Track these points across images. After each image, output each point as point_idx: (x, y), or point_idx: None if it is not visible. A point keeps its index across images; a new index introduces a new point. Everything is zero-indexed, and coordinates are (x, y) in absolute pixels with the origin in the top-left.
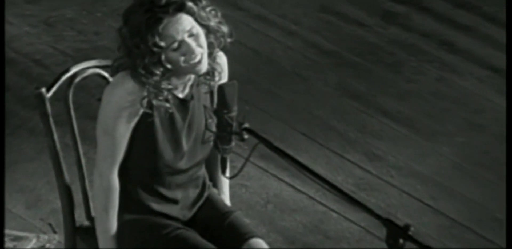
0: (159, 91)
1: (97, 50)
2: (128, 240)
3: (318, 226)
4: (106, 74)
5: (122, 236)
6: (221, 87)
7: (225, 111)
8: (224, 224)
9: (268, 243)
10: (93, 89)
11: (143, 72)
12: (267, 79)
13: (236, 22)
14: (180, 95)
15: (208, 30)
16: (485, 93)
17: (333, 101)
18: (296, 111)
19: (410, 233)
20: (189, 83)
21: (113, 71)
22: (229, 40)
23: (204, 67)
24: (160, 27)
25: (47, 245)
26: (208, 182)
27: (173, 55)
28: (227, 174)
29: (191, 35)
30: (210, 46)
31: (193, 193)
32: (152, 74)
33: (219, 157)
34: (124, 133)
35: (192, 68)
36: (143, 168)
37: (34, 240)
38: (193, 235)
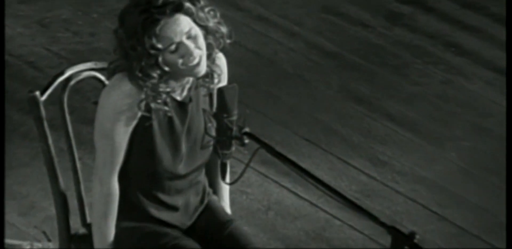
0: (157, 94)
1: (93, 52)
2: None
3: (321, 234)
4: (102, 77)
5: (120, 244)
6: (220, 90)
7: (225, 115)
8: (224, 234)
9: None
10: (88, 92)
11: (140, 75)
12: (268, 82)
13: (237, 23)
14: (179, 98)
15: (206, 31)
16: (493, 96)
17: (336, 104)
18: (298, 115)
19: (415, 241)
20: (188, 85)
21: (110, 73)
22: (228, 41)
23: (203, 69)
24: (157, 28)
25: None
26: (208, 189)
27: (171, 57)
28: (227, 180)
29: (189, 36)
30: (209, 47)
31: (193, 199)
32: (149, 77)
33: (218, 162)
34: (123, 136)
35: (191, 70)
36: (142, 173)
37: None
38: (192, 245)
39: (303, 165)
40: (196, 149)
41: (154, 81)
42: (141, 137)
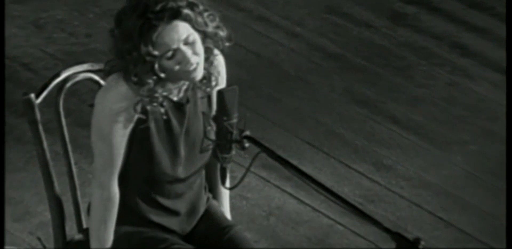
0: (153, 97)
1: (89, 53)
2: None
3: (324, 240)
4: (98, 79)
5: None
6: (220, 93)
7: (224, 118)
8: (224, 239)
9: None
10: (85, 94)
11: (135, 79)
12: (269, 84)
13: (237, 24)
14: (175, 99)
15: (205, 35)
16: (500, 99)
17: (339, 107)
18: (300, 118)
19: (420, 247)
20: (184, 87)
21: (106, 74)
22: (227, 44)
23: (199, 74)
24: (154, 35)
25: None
26: (208, 193)
27: (167, 63)
28: (227, 184)
29: (186, 43)
30: (207, 51)
31: (193, 204)
32: (144, 84)
33: (218, 166)
34: (121, 139)
35: (187, 76)
36: (141, 176)
37: None
38: None
39: (305, 169)
40: (195, 151)
41: (150, 86)
42: (138, 139)
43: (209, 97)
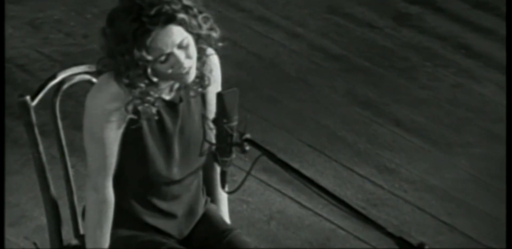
0: (145, 98)
1: (86, 54)
2: None
3: (325, 245)
4: (96, 81)
5: None
6: (220, 95)
7: (224, 120)
8: (223, 243)
9: None
10: (82, 97)
11: (127, 81)
12: (270, 86)
13: (237, 24)
14: (167, 98)
15: (198, 37)
16: (505, 101)
17: (341, 109)
18: (301, 120)
19: None
20: (176, 86)
21: (98, 73)
22: (220, 44)
23: (191, 77)
24: (148, 40)
25: None
26: (206, 196)
27: (160, 67)
28: (227, 188)
29: (180, 46)
30: (200, 51)
31: (190, 206)
32: (136, 87)
33: (217, 170)
34: (113, 140)
35: (179, 78)
36: (136, 178)
37: None
38: None
39: (307, 172)
40: (190, 152)
41: (142, 89)
42: (131, 139)
43: (203, 96)
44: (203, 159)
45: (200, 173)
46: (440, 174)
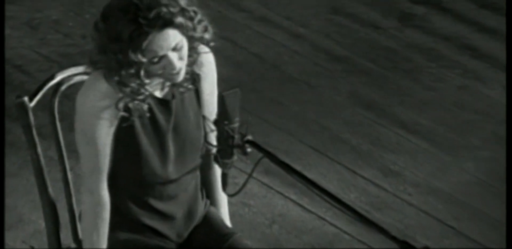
0: (136, 95)
1: (85, 55)
2: None
3: None
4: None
5: None
6: (222, 96)
7: (226, 122)
8: (223, 247)
9: None
10: None
11: (117, 78)
12: (272, 87)
13: (238, 25)
14: (159, 95)
15: (192, 38)
16: (506, 100)
17: (344, 111)
18: (304, 122)
19: None
20: (168, 83)
21: (91, 66)
22: (212, 44)
23: (181, 77)
24: (144, 43)
25: None
26: (205, 199)
27: (151, 67)
28: (228, 191)
29: (174, 49)
30: (192, 50)
31: (189, 207)
32: (127, 86)
33: (216, 171)
34: (105, 139)
35: (169, 78)
36: (131, 177)
37: None
38: None
39: (309, 175)
40: (186, 150)
41: (133, 88)
42: (124, 138)
43: (197, 93)
44: (199, 158)
45: (198, 173)
46: (445, 177)
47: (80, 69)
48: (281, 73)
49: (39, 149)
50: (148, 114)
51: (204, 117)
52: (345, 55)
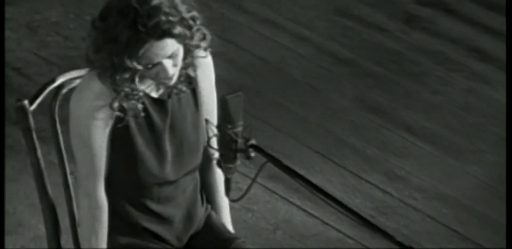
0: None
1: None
2: None
3: None
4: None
5: None
6: (224, 99)
7: (229, 126)
8: None
9: None
10: None
11: (111, 82)
12: (276, 91)
13: (241, 27)
14: (154, 95)
15: (189, 46)
16: (506, 100)
17: (349, 115)
18: (309, 126)
19: None
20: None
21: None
22: (209, 49)
23: (173, 81)
24: (141, 51)
25: None
26: (205, 203)
27: (145, 72)
28: (231, 196)
29: (170, 56)
30: (187, 54)
31: (188, 210)
32: (120, 90)
33: (215, 174)
34: (101, 141)
35: (161, 82)
36: (127, 179)
37: None
38: None
39: (314, 180)
40: (183, 151)
41: (126, 92)
42: (119, 138)
43: (194, 93)
44: (198, 159)
45: (197, 175)
46: (451, 181)
47: (80, 72)
48: (285, 76)
49: (39, 153)
50: (143, 114)
51: (207, 121)
52: (350, 57)
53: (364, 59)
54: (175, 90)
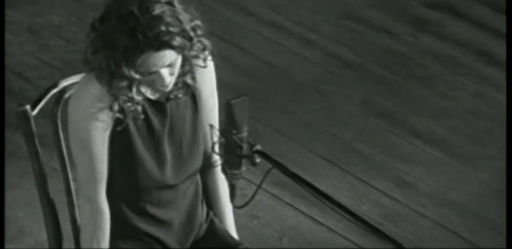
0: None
1: None
2: None
3: None
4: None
5: None
6: (229, 104)
7: (234, 131)
8: None
9: None
10: None
11: (108, 88)
12: (282, 95)
13: (247, 30)
14: (152, 97)
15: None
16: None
17: (357, 120)
18: (315, 131)
19: None
20: None
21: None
22: (210, 58)
23: (168, 88)
24: (139, 60)
25: None
26: (207, 209)
27: (142, 79)
28: (236, 203)
29: (167, 66)
30: (186, 62)
31: (188, 214)
32: (117, 96)
33: (218, 179)
34: (101, 145)
35: (157, 89)
36: (127, 183)
37: None
38: None
39: (320, 186)
40: (183, 154)
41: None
42: (118, 141)
43: (193, 96)
44: (198, 163)
45: (197, 179)
46: (461, 188)
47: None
48: (291, 81)
49: (41, 159)
50: (142, 116)
51: (211, 126)
52: (357, 61)
53: (372, 63)
54: (171, 96)
